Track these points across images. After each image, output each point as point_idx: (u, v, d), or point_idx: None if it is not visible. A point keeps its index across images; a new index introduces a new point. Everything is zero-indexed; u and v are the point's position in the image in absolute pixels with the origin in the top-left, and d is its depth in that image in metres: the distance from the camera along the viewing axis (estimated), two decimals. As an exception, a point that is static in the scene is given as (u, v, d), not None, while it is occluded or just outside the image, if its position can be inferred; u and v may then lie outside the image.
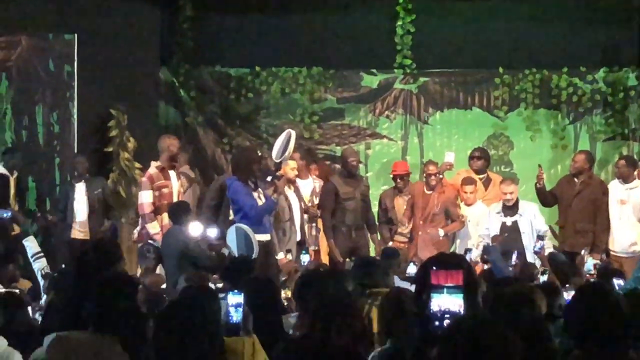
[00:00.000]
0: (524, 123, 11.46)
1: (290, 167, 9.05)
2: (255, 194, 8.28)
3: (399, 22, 11.49)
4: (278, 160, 8.48)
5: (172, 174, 9.04)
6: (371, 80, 11.73)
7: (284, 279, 7.55)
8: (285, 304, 6.16)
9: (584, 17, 11.45)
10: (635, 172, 9.47)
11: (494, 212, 9.40)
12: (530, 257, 8.78)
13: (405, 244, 9.70)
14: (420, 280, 3.30)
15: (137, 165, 10.31)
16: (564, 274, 7.32)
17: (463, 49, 11.57)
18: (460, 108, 11.63)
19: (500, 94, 11.47)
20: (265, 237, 8.24)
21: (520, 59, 11.49)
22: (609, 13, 11.38)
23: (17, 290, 7.06)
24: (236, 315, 4.31)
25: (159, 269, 8.30)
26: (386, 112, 11.69)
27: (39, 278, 7.07)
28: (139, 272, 8.19)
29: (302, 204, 9.33)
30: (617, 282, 6.40)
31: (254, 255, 7.65)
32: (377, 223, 9.88)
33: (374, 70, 11.71)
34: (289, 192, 9.11)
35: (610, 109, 11.36)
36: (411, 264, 8.05)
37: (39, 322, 5.65)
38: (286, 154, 8.49)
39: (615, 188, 9.55)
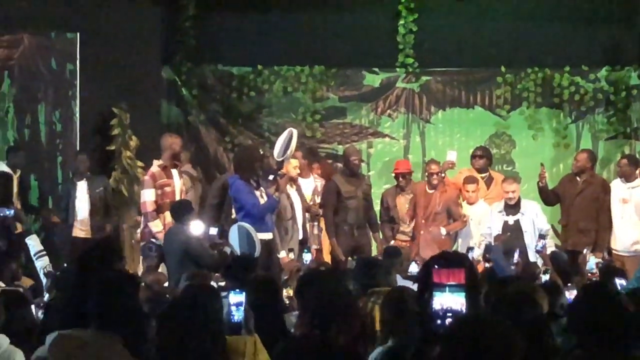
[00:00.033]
0: (526, 122, 11.45)
1: (292, 166, 9.05)
2: (257, 193, 8.28)
3: (401, 21, 11.49)
4: (280, 159, 8.49)
5: (174, 172, 9.05)
6: (373, 79, 11.73)
7: (285, 277, 7.55)
8: (287, 302, 6.17)
9: (586, 16, 11.44)
10: (638, 171, 9.47)
11: (496, 211, 9.40)
12: (532, 256, 8.77)
13: (408, 243, 9.70)
14: (422, 278, 3.30)
15: (140, 163, 10.31)
16: (565, 273, 7.33)
17: (465, 48, 11.57)
18: (463, 107, 11.64)
19: (503, 93, 11.47)
20: (268, 235, 8.25)
21: (522, 58, 11.49)
22: (611, 12, 11.38)
23: (20, 289, 7.06)
24: (237, 314, 4.31)
25: (162, 268, 8.31)
26: (388, 111, 11.69)
27: (42, 276, 7.08)
28: (140, 270, 8.20)
29: (304, 203, 9.33)
30: (620, 282, 6.40)
31: (256, 254, 7.66)
32: (379, 222, 9.88)
33: (376, 69, 11.71)
34: (291, 190, 9.12)
35: (612, 108, 11.36)
36: (413, 263, 8.05)
37: (41, 321, 5.65)
38: (288, 152, 8.50)
39: (617, 187, 9.55)
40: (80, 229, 9.91)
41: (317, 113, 11.65)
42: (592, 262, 7.98)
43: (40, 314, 5.84)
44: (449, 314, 3.14)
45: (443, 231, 9.51)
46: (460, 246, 9.67)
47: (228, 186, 8.54)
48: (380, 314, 4.57)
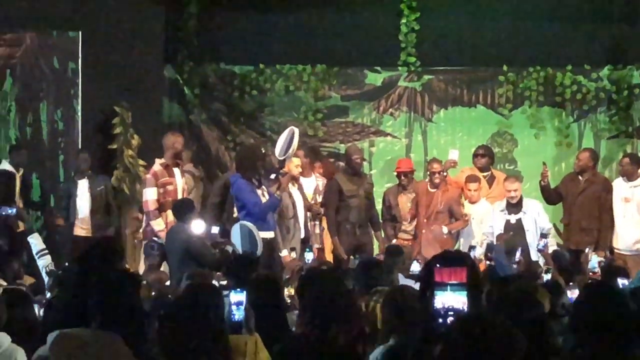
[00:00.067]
0: (528, 121, 11.45)
1: (294, 164, 9.05)
2: (259, 192, 8.29)
3: (404, 20, 11.48)
4: (282, 158, 8.49)
5: (176, 171, 9.06)
6: (375, 78, 11.72)
7: (287, 276, 7.55)
8: (289, 301, 6.17)
9: (588, 15, 11.43)
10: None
11: (498, 210, 9.40)
12: (534, 255, 8.77)
13: (409, 242, 9.70)
14: (424, 277, 3.31)
15: (141, 162, 10.30)
16: (567, 272, 7.33)
17: (467, 47, 11.56)
18: (465, 106, 11.63)
19: (505, 92, 11.46)
20: (269, 234, 8.25)
21: (524, 57, 11.48)
22: (613, 11, 11.35)
23: (24, 288, 7.05)
24: (238, 314, 4.31)
25: (164, 266, 8.31)
26: (390, 110, 11.68)
27: (44, 275, 7.08)
28: (142, 269, 8.20)
29: (306, 202, 9.33)
30: (622, 282, 6.39)
31: (258, 253, 7.66)
32: (381, 221, 9.88)
33: (378, 68, 11.70)
34: (293, 189, 9.11)
35: (614, 107, 11.34)
36: (415, 261, 8.05)
37: (41, 319, 5.64)
38: (290, 151, 8.50)
39: (619, 186, 9.55)
40: (81, 228, 9.91)
41: (319, 112, 11.64)
42: (594, 261, 7.98)
43: (42, 313, 5.84)
44: (451, 313, 3.14)
45: (445, 230, 9.51)
46: (462, 245, 9.66)
47: (230, 185, 8.55)
48: (381, 313, 4.57)
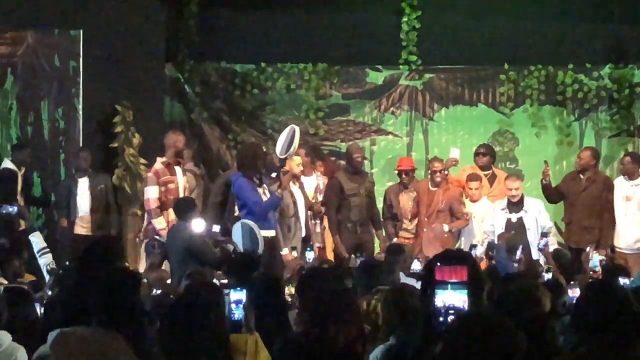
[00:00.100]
0: (529, 119, 11.45)
1: (295, 163, 9.05)
2: (260, 190, 8.29)
3: (405, 19, 11.48)
4: (283, 156, 8.49)
5: (177, 169, 9.07)
6: (376, 77, 11.72)
7: (288, 275, 7.56)
8: (290, 300, 6.17)
9: (589, 14, 11.43)
10: (641, 169, 9.47)
11: (499, 209, 9.40)
12: (535, 254, 8.77)
13: (410, 240, 9.70)
14: (425, 276, 3.30)
15: (142, 161, 10.30)
16: (568, 271, 7.33)
17: (468, 46, 11.56)
18: (466, 104, 11.62)
19: (506, 91, 11.46)
20: (271, 232, 8.25)
21: (525, 56, 11.48)
22: (614, 9, 11.35)
23: (25, 286, 7.05)
24: (238, 312, 4.31)
25: (165, 265, 8.32)
26: (391, 109, 11.69)
27: (45, 273, 7.08)
28: (142, 267, 8.20)
29: (307, 200, 9.33)
30: (623, 281, 6.39)
31: (259, 251, 7.66)
32: (382, 219, 9.88)
33: (379, 67, 11.70)
34: (294, 188, 9.12)
35: (615, 106, 11.34)
36: (416, 260, 8.05)
37: (42, 318, 5.64)
38: (291, 150, 8.49)
39: (621, 185, 9.55)
40: (82, 226, 9.91)
41: (320, 110, 11.64)
42: (595, 260, 7.96)
43: (42, 311, 5.84)
44: (452, 312, 3.14)
45: (446, 228, 9.51)
46: (463, 244, 9.67)
47: (231, 183, 8.54)
48: (382, 312, 4.57)
